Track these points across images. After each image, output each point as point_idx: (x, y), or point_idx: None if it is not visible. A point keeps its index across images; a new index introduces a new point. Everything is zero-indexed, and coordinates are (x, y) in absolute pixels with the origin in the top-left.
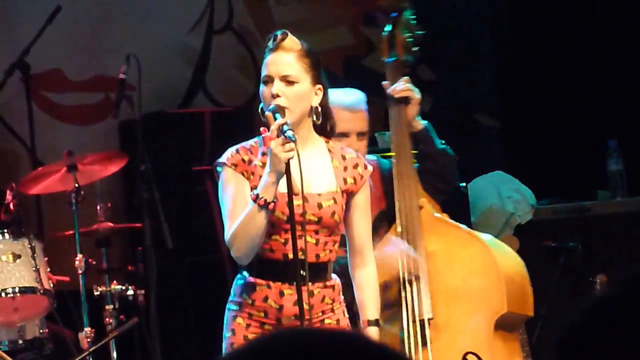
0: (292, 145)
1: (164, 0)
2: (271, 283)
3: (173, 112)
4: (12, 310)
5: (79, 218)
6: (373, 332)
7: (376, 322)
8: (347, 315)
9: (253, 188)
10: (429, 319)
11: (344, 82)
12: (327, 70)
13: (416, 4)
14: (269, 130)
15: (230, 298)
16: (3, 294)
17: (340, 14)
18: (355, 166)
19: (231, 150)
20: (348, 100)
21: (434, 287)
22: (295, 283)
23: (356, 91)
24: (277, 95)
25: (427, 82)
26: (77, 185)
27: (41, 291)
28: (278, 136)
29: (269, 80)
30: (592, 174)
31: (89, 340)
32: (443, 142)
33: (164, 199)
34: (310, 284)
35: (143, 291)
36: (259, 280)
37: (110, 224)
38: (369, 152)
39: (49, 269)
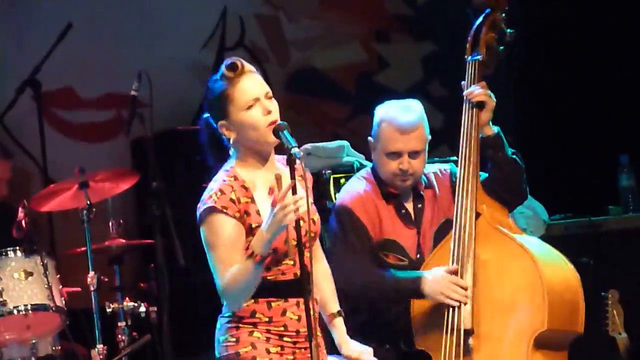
0: (292, 214)
1: (176, 17)
2: (289, 297)
3: (185, 129)
4: (24, 327)
5: (91, 235)
6: (340, 322)
7: (339, 313)
8: None
9: (250, 225)
10: (467, 329)
11: (356, 99)
12: (339, 86)
13: (430, 21)
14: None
15: (233, 320)
16: (15, 312)
17: (352, 30)
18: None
19: (214, 192)
20: (402, 119)
21: (481, 296)
22: (307, 295)
23: (413, 107)
24: (270, 112)
25: (439, 97)
26: (88, 202)
27: (53, 308)
28: (289, 156)
29: (256, 103)
30: (604, 190)
31: (101, 357)
32: (514, 151)
33: (175, 216)
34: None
35: (155, 308)
36: (274, 299)
37: (122, 241)
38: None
39: (60, 286)
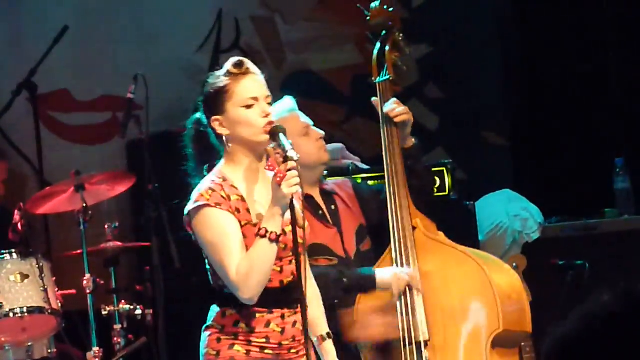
0: (297, 179)
1: (172, 19)
2: (273, 309)
3: (181, 132)
4: (20, 330)
5: (87, 238)
6: (330, 345)
7: (329, 335)
8: None
9: (240, 223)
10: (425, 341)
11: (351, 101)
12: (334, 89)
13: (425, 23)
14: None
15: (215, 331)
16: (11, 314)
17: (347, 32)
18: (272, 171)
19: (204, 191)
20: (288, 100)
21: (430, 307)
22: (295, 306)
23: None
24: (268, 115)
25: (434, 100)
26: (84, 205)
27: (49, 311)
28: (283, 159)
29: (256, 103)
30: (600, 192)
31: (97, 359)
32: (450, 161)
33: (171, 218)
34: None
35: (151, 311)
36: (258, 309)
37: (118, 244)
38: (375, 172)
39: (56, 289)
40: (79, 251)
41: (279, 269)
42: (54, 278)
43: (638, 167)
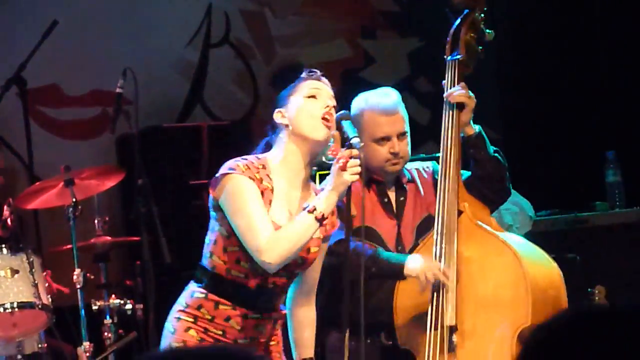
0: (358, 167)
1: (161, 14)
2: (237, 307)
3: (170, 126)
4: (10, 325)
5: (77, 233)
6: None
7: None
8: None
9: None
10: (450, 326)
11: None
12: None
13: (416, 17)
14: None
15: (180, 307)
16: (1, 309)
17: (338, 27)
18: (332, 212)
19: (240, 163)
20: (383, 103)
21: (464, 293)
22: (262, 313)
23: (390, 91)
24: (329, 108)
25: (426, 94)
26: (74, 200)
27: (39, 306)
28: (347, 146)
29: (319, 97)
30: (590, 186)
31: (87, 354)
32: (496, 149)
33: (161, 213)
34: (273, 312)
35: (142, 305)
36: (224, 301)
37: (108, 239)
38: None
39: (47, 284)
40: (68, 246)
41: (261, 271)
42: (44, 273)
43: (628, 160)
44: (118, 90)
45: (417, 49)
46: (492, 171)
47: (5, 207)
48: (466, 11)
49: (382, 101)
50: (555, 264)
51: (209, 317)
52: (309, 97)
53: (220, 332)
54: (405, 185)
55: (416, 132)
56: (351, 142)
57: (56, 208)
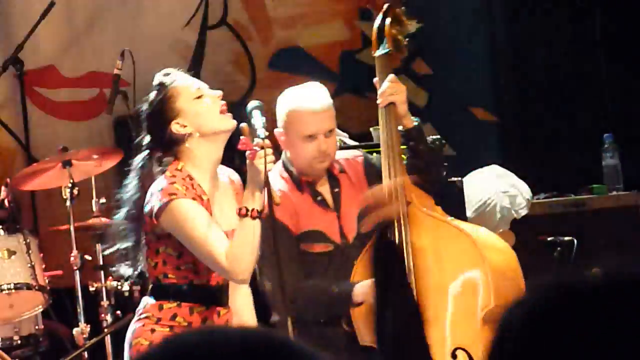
0: (271, 157)
1: None
2: (210, 307)
3: None
4: (7, 306)
5: (74, 214)
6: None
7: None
8: None
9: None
10: None
11: (340, 77)
12: (322, 65)
13: None
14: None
15: (149, 322)
16: None
17: (335, 8)
18: (245, 149)
19: (177, 185)
20: (309, 100)
21: (423, 282)
22: (226, 304)
23: (316, 88)
24: (219, 98)
25: (423, 76)
26: (71, 181)
27: (36, 287)
28: (251, 136)
29: (202, 94)
30: (588, 168)
31: (84, 336)
32: (434, 138)
33: None
34: (230, 304)
35: (139, 287)
36: (197, 305)
37: (106, 220)
38: (363, 147)
39: (43, 265)
40: (66, 227)
41: (206, 278)
42: (41, 254)
43: (626, 143)
44: (116, 71)
45: (415, 30)
46: (430, 162)
47: (2, 188)
48: (387, 5)
49: (310, 99)
50: (509, 247)
51: (186, 324)
52: (198, 97)
53: None
54: (336, 175)
55: (414, 114)
56: (257, 133)
57: (53, 189)
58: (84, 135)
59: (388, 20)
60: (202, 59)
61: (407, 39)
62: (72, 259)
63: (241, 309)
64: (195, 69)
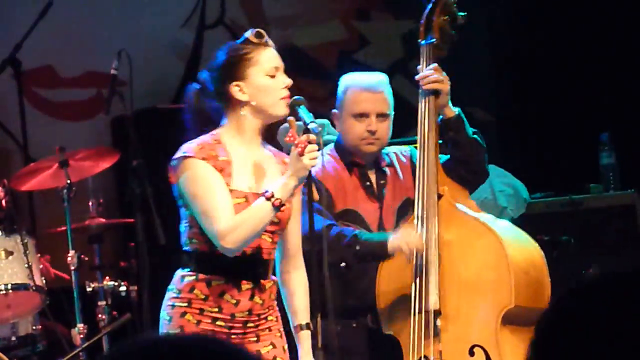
0: (317, 152)
1: None
2: (230, 279)
3: (165, 108)
4: (4, 307)
5: (71, 214)
6: (306, 336)
7: (308, 326)
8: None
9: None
10: (434, 310)
11: (336, 77)
12: (319, 64)
13: None
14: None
15: (173, 295)
16: None
17: (333, 8)
18: (293, 142)
19: (194, 145)
20: (367, 80)
21: (446, 277)
22: (255, 279)
23: (378, 73)
24: (288, 87)
25: None
26: (69, 181)
27: (34, 288)
28: (304, 131)
29: (277, 73)
30: (585, 168)
31: (81, 336)
32: (475, 130)
33: (156, 194)
34: (263, 280)
35: (136, 287)
36: (214, 277)
37: (103, 220)
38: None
39: (41, 266)
40: (63, 228)
41: None
42: (39, 255)
43: (623, 142)
44: (113, 71)
45: (412, 30)
46: (471, 153)
47: None
48: None
49: (367, 79)
50: (536, 245)
51: (203, 297)
52: (270, 76)
53: (217, 309)
54: (385, 169)
55: (410, 113)
56: (309, 127)
57: (50, 189)
58: (81, 135)
59: (438, 10)
60: (199, 59)
61: (454, 32)
62: (69, 259)
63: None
64: (192, 69)
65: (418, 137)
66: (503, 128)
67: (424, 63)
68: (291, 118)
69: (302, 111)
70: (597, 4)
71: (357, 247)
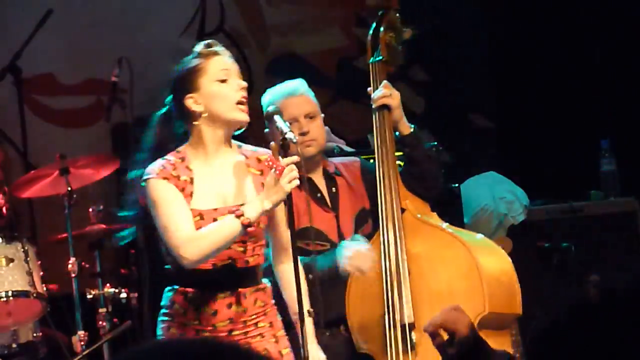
0: (296, 174)
1: (156, 3)
2: (205, 291)
3: None
4: (5, 314)
5: (72, 221)
6: (309, 322)
7: (308, 313)
8: (279, 318)
9: None
10: (409, 324)
11: (337, 83)
12: (319, 71)
13: (411, 4)
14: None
15: (162, 312)
16: None
17: (332, 15)
18: (272, 167)
19: (157, 166)
20: (285, 88)
21: (417, 289)
22: (230, 289)
23: (294, 80)
24: (243, 89)
25: (420, 82)
26: (69, 188)
27: (34, 295)
28: (283, 141)
29: (229, 78)
30: (585, 174)
31: (82, 343)
32: (431, 145)
33: None
34: (241, 288)
35: (136, 294)
36: (189, 289)
37: (103, 227)
38: (360, 154)
39: (41, 273)
40: (64, 235)
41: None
42: (39, 262)
43: (623, 148)
44: (113, 79)
45: (412, 37)
46: (427, 169)
47: (0, 195)
48: (381, 12)
49: (283, 88)
50: (504, 252)
51: (182, 311)
52: (221, 81)
53: (197, 322)
54: (333, 175)
55: (411, 120)
56: (286, 136)
57: (51, 197)
58: (81, 142)
59: (382, 27)
60: None
61: (401, 47)
62: (69, 266)
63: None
64: None
65: (376, 153)
66: (503, 134)
67: (374, 81)
68: (273, 144)
69: (279, 120)
70: (598, 10)
71: (310, 276)
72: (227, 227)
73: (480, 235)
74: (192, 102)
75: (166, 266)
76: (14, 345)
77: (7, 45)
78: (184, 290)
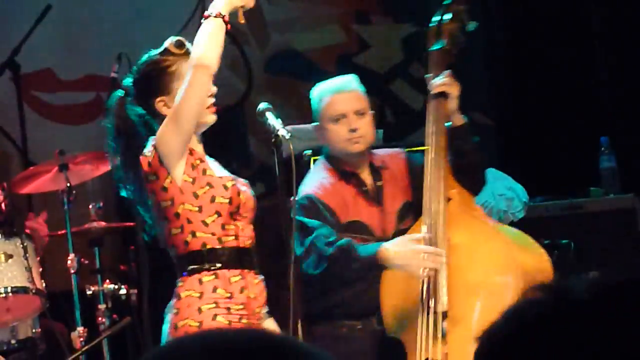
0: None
1: None
2: (244, 272)
3: None
4: (4, 310)
5: (71, 218)
6: (270, 322)
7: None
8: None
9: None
10: (443, 312)
11: None
12: (319, 68)
13: (410, 2)
14: None
15: (193, 301)
16: None
17: (332, 12)
18: None
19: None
20: (337, 83)
21: (454, 280)
22: (257, 272)
23: (345, 76)
24: (213, 95)
25: (420, 79)
26: (68, 184)
27: (33, 291)
28: (275, 138)
29: None
30: (585, 171)
31: (81, 340)
32: (477, 139)
33: None
34: (254, 272)
35: (136, 290)
36: (232, 272)
37: (103, 223)
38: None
39: (40, 269)
40: (63, 231)
41: (240, 226)
42: (38, 258)
43: (623, 145)
44: (112, 75)
45: (412, 34)
46: (474, 162)
47: None
48: (449, 1)
49: (335, 82)
50: (543, 251)
51: (228, 295)
52: None
53: (241, 306)
54: (378, 169)
55: (410, 117)
56: (279, 133)
57: (50, 193)
58: (80, 138)
59: (447, 16)
60: None
61: (463, 38)
62: (69, 262)
63: None
64: None
65: (427, 141)
66: (502, 132)
67: (434, 69)
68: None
69: (271, 117)
70: (596, 8)
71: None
72: (209, 25)
73: (521, 233)
74: (162, 105)
75: (185, 251)
76: (13, 342)
77: (6, 41)
78: (227, 274)
